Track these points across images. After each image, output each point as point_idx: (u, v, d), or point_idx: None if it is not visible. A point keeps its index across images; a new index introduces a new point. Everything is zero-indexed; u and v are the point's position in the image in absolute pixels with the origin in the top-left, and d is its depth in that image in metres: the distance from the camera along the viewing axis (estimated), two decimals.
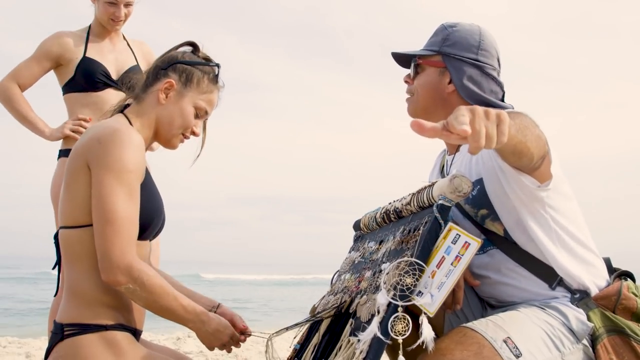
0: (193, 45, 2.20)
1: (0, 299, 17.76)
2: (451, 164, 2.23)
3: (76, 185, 1.89)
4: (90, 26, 3.66)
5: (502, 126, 1.39)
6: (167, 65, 2.11)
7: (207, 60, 2.17)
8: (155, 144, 3.49)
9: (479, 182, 2.03)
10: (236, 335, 2.07)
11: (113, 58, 3.59)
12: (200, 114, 2.12)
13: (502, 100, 2.21)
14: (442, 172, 2.32)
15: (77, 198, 1.88)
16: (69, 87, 3.54)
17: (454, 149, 2.24)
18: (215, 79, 2.14)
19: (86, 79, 3.45)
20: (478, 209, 2.03)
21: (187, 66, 2.10)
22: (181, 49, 2.18)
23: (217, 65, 2.16)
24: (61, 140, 3.51)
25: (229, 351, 2.09)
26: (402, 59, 2.30)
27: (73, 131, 3.41)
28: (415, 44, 2.34)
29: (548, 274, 1.96)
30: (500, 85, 2.20)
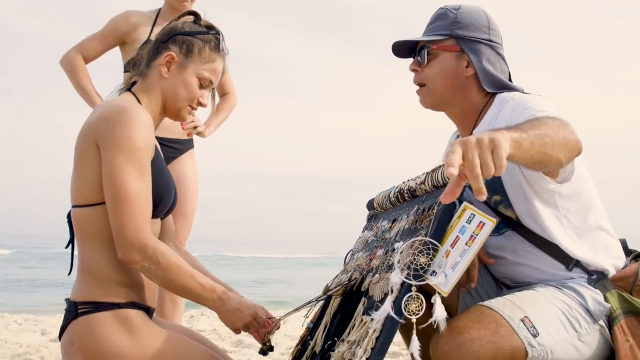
0: (194, 14, 2.16)
1: (14, 277, 17.94)
2: None
3: (86, 165, 1.88)
4: (160, 9, 3.68)
5: (498, 151, 1.37)
6: (167, 37, 2.07)
7: (209, 29, 2.12)
8: (207, 131, 3.49)
9: None
10: (260, 316, 2.00)
11: None
12: (205, 84, 2.08)
13: (510, 78, 2.17)
14: None
15: (88, 177, 1.88)
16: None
17: (467, 132, 2.20)
18: (217, 47, 2.09)
19: None
20: (492, 195, 2.00)
21: (187, 37, 2.06)
22: (182, 20, 2.15)
23: (219, 33, 2.12)
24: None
25: (256, 336, 2.03)
26: (403, 49, 2.21)
27: None
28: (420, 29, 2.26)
29: (564, 256, 1.94)
30: (507, 63, 2.17)
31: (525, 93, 2.09)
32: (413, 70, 2.18)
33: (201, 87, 2.08)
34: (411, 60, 2.21)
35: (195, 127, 3.37)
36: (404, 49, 2.21)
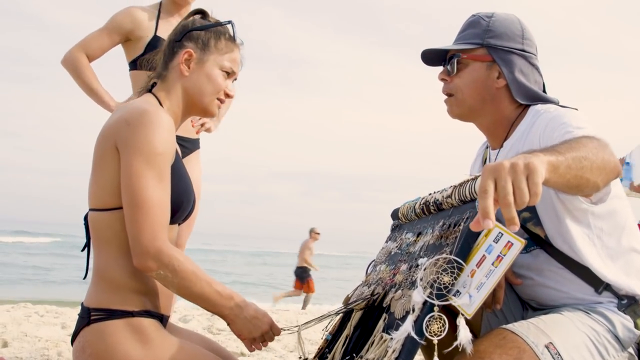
0: (201, 12, 2.15)
1: (36, 267, 18.13)
2: (496, 159, 2.10)
3: (104, 168, 1.84)
4: (161, 2, 3.63)
5: (534, 176, 1.32)
6: (180, 36, 2.05)
7: (219, 22, 2.11)
8: (214, 126, 3.47)
9: None
10: (276, 325, 1.97)
11: None
12: (228, 74, 2.07)
13: (544, 89, 2.09)
14: (485, 164, 2.19)
15: (106, 181, 1.84)
16: (137, 64, 3.52)
17: (497, 144, 2.12)
18: (232, 37, 2.09)
19: None
20: (521, 211, 1.92)
21: (201, 32, 2.05)
22: (190, 19, 2.13)
23: (230, 23, 2.11)
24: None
25: (265, 344, 1.98)
26: (433, 57, 2.14)
27: None
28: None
29: (594, 279, 1.86)
30: (541, 74, 2.09)
31: (560, 105, 2.01)
32: (442, 80, 2.12)
33: (224, 78, 2.06)
34: (440, 67, 2.14)
35: (203, 124, 3.35)
36: (433, 57, 2.14)
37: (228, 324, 1.92)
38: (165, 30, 3.48)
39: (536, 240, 1.94)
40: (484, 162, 2.22)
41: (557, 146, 1.54)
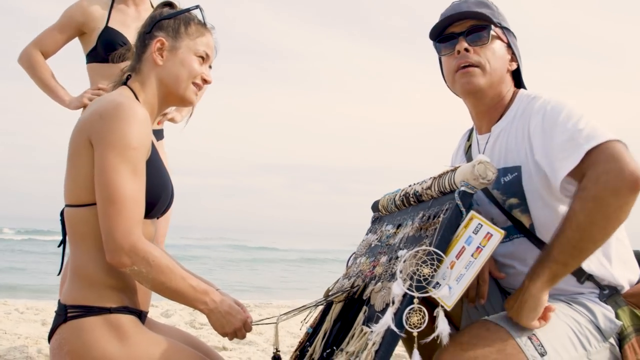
0: (169, 4, 2.13)
1: (19, 262, 17.97)
2: (485, 145, 2.06)
3: (79, 163, 1.81)
4: None
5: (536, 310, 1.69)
6: (150, 27, 2.04)
7: (186, 8, 2.09)
8: (178, 116, 3.45)
9: (516, 170, 1.91)
10: (249, 323, 1.96)
11: (136, 27, 3.50)
12: (203, 58, 2.04)
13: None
14: (468, 153, 2.18)
15: (80, 176, 1.81)
16: (91, 57, 3.47)
17: (486, 128, 2.07)
18: (201, 22, 2.07)
19: (106, 50, 3.36)
20: (508, 197, 1.92)
21: (170, 20, 2.03)
22: (158, 11, 2.10)
23: (198, 7, 2.09)
24: (81, 109, 3.45)
25: (241, 338, 1.99)
26: (441, 30, 2.01)
27: (92, 100, 3.34)
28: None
29: (577, 269, 1.83)
30: None
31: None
32: (466, 49, 1.96)
33: (200, 64, 2.03)
34: (442, 45, 2.05)
35: (165, 114, 3.32)
36: (442, 30, 2.02)
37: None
38: (119, 20, 3.44)
39: (520, 228, 1.93)
40: (468, 148, 2.20)
41: (552, 249, 1.68)
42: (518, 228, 1.93)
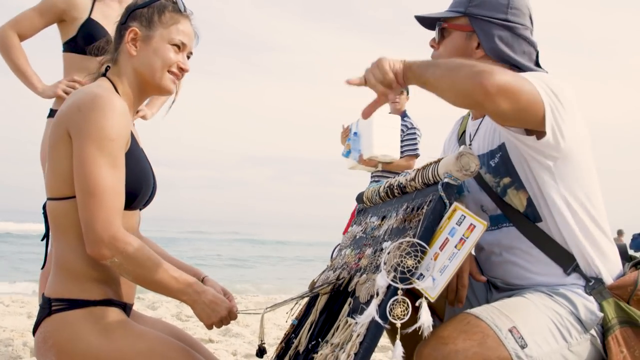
0: None
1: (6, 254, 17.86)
2: (476, 130, 2.07)
3: (58, 156, 1.80)
4: None
5: (379, 63, 1.83)
6: (125, 18, 2.02)
7: None
8: (149, 113, 3.43)
9: (501, 149, 1.91)
10: (234, 311, 1.96)
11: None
12: (179, 47, 2.01)
13: (537, 60, 2.05)
14: (461, 139, 2.19)
15: (60, 169, 1.80)
16: (69, 47, 3.42)
17: (479, 114, 2.10)
18: (176, 8, 2.03)
19: (87, 42, 3.29)
20: (500, 178, 1.92)
21: (143, 9, 2.00)
22: (133, 1, 2.08)
23: None
24: (53, 99, 3.41)
25: (226, 324, 1.98)
26: (428, 22, 2.13)
27: (66, 92, 3.30)
28: (437, 7, 2.18)
29: (564, 258, 1.85)
30: (533, 45, 2.04)
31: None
32: (431, 46, 2.12)
33: (176, 51, 2.00)
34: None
35: (137, 112, 3.30)
36: (429, 22, 2.13)
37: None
38: (102, 12, 3.40)
39: (510, 215, 1.93)
40: (461, 135, 2.20)
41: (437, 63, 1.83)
42: (508, 216, 1.94)
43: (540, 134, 1.77)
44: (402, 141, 5.98)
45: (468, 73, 1.68)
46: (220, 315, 1.90)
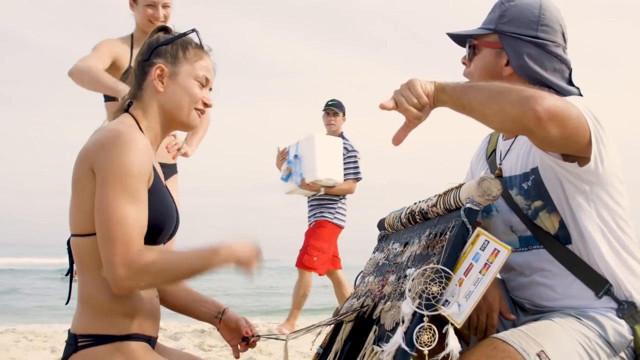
0: (164, 28, 2.12)
1: (25, 290, 17.89)
2: (508, 151, 2.06)
3: (83, 192, 1.82)
4: (132, 34, 3.67)
5: (411, 86, 1.80)
6: (148, 54, 2.02)
7: (183, 33, 2.08)
8: (190, 150, 3.47)
9: (534, 172, 1.89)
10: (259, 248, 1.93)
11: None
12: (203, 83, 2.04)
13: (570, 78, 2.04)
14: (490, 158, 2.16)
15: (84, 205, 1.81)
16: (109, 96, 3.49)
17: (512, 134, 2.06)
18: (198, 45, 2.06)
19: None
20: (532, 201, 1.91)
21: (167, 46, 2.02)
22: (154, 37, 2.09)
23: (194, 31, 2.08)
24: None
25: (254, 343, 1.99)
26: (459, 39, 2.14)
27: None
28: (444, 28, 2.19)
29: (596, 280, 1.83)
30: (565, 62, 2.02)
31: (579, 95, 1.99)
32: (463, 63, 2.14)
33: (201, 87, 2.03)
34: None
35: (179, 149, 3.33)
36: (461, 40, 2.15)
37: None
38: None
39: (540, 238, 1.92)
40: (490, 153, 2.18)
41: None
42: (538, 238, 1.92)
43: (582, 159, 1.76)
44: (343, 164, 5.90)
45: (517, 98, 1.67)
46: (250, 249, 1.89)
